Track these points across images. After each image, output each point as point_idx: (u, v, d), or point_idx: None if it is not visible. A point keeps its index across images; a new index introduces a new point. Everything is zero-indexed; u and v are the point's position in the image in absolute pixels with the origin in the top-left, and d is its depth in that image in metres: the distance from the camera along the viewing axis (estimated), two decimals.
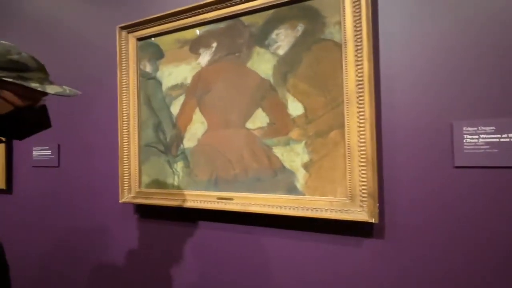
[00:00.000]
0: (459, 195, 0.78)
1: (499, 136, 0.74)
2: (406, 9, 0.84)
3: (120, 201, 1.26)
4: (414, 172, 0.83)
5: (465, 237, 0.78)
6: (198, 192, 1.13)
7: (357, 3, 0.83)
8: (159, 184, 1.23)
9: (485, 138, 0.75)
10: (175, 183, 1.20)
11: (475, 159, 0.76)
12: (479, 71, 0.76)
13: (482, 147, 0.75)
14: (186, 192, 1.15)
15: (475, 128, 0.76)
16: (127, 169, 1.28)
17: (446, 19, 0.79)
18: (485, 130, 0.75)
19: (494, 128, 0.74)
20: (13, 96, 0.73)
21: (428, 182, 0.82)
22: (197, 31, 1.14)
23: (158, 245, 1.25)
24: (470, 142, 0.76)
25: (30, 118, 0.81)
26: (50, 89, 0.74)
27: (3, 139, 0.80)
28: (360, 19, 0.82)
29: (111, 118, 1.36)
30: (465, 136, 0.77)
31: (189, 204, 1.13)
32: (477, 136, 0.76)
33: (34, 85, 0.71)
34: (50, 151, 1.61)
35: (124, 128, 1.28)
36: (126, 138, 1.28)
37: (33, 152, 1.66)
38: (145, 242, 1.28)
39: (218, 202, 1.07)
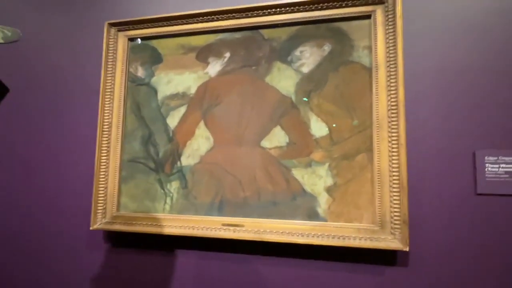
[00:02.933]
0: (482, 222, 0.81)
1: None
2: (430, 36, 0.88)
3: (91, 228, 1.02)
4: (438, 199, 0.84)
5: (489, 264, 0.80)
6: (197, 217, 0.98)
7: (391, 29, 0.86)
8: (144, 207, 1.04)
9: (505, 167, 0.80)
10: (167, 207, 1.02)
11: (496, 187, 0.80)
12: (500, 103, 0.83)
13: (502, 175, 0.80)
14: (181, 217, 0.99)
15: (496, 158, 0.81)
16: (103, 189, 1.06)
17: (471, 49, 0.86)
18: (505, 160, 0.80)
19: None
20: None
21: (451, 208, 0.83)
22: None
23: (141, 281, 1.03)
24: (491, 171, 0.81)
25: None
26: None
27: None
28: (394, 45, 0.84)
29: (88, 126, 1.14)
30: (486, 165, 0.81)
31: (184, 231, 0.96)
32: (497, 165, 0.80)
33: None
34: None
35: (104, 138, 1.07)
36: (105, 151, 1.07)
37: None
38: (123, 278, 1.05)
39: (224, 229, 0.94)
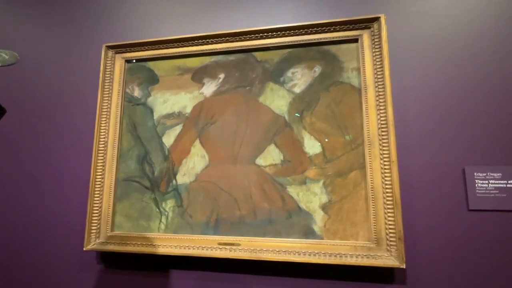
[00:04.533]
0: (476, 238, 0.82)
1: (506, 182, 0.81)
2: (415, 58, 0.92)
3: (84, 249, 1.01)
4: (431, 215, 0.86)
5: (484, 279, 0.80)
6: (192, 237, 0.97)
7: (377, 52, 0.90)
8: (139, 226, 1.03)
9: (494, 183, 0.82)
10: (162, 226, 1.02)
11: (487, 203, 0.82)
12: (485, 120, 0.86)
13: (492, 191, 0.82)
14: (177, 236, 0.98)
15: (485, 174, 0.83)
16: (97, 208, 1.05)
17: (455, 69, 0.90)
18: (493, 176, 0.82)
19: (501, 174, 0.82)
20: None
21: (445, 224, 0.84)
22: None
23: None
24: (482, 186, 0.82)
25: None
26: None
27: None
28: (381, 67, 0.88)
29: (84, 146, 1.14)
30: (476, 181, 0.83)
31: (180, 251, 0.96)
32: (487, 181, 0.82)
33: None
34: None
35: (100, 158, 1.08)
36: (100, 170, 1.07)
37: None
38: None
39: (220, 248, 0.93)
